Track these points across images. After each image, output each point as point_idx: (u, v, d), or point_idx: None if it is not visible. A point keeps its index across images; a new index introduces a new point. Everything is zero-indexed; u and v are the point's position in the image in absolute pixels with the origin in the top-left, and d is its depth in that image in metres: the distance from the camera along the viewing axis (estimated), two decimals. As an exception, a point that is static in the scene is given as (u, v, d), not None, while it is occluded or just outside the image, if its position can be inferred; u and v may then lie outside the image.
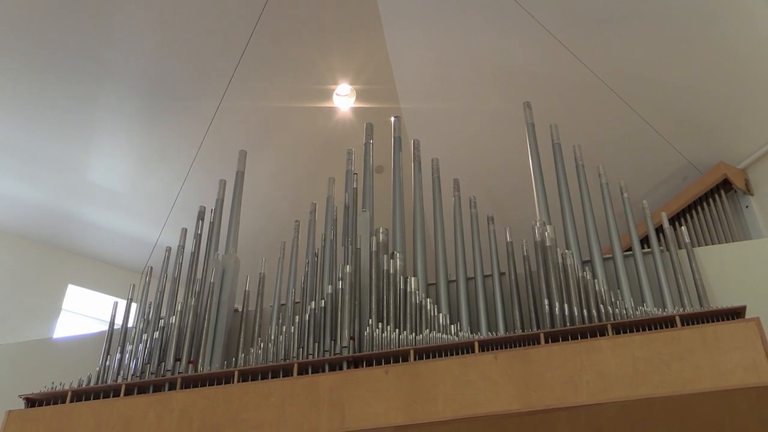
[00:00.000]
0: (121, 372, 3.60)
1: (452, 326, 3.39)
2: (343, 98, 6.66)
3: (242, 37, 5.94)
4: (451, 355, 3.18)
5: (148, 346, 3.67)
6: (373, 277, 3.60)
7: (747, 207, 5.86)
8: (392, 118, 4.40)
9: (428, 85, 6.59)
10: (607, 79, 5.88)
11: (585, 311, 3.23)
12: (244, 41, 5.96)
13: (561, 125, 4.10)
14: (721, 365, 2.78)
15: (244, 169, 4.46)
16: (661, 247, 3.55)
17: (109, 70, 5.89)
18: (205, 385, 3.35)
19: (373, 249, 3.72)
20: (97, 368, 3.65)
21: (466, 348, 3.19)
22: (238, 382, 3.31)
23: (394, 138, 4.30)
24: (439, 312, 3.47)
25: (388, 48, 6.40)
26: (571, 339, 3.10)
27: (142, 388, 3.45)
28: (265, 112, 6.54)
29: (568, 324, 3.20)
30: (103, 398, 3.43)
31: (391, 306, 3.47)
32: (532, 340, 3.14)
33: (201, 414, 3.18)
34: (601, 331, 3.09)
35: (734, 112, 5.72)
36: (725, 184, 5.97)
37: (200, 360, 3.59)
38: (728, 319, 2.99)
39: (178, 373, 3.51)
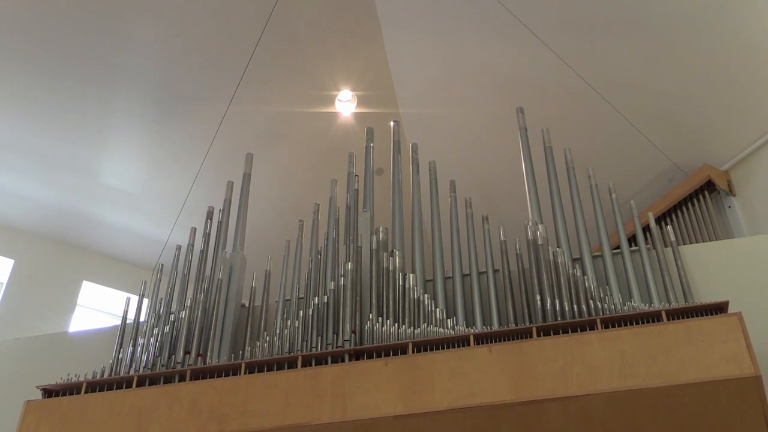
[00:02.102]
0: (134, 364, 3.60)
1: (449, 320, 3.39)
2: (345, 104, 6.66)
3: (249, 46, 5.94)
4: (448, 348, 3.18)
5: (159, 339, 3.67)
6: (374, 273, 3.60)
7: (730, 207, 5.87)
8: (392, 123, 4.40)
9: (426, 92, 6.60)
10: (596, 86, 5.88)
11: (575, 306, 3.23)
12: (251, 49, 5.96)
13: (552, 129, 4.10)
14: (705, 358, 2.78)
15: (250, 171, 4.46)
16: (648, 246, 3.55)
17: (121, 76, 5.90)
18: (214, 377, 3.35)
19: (374, 247, 3.72)
20: (111, 361, 3.65)
21: (461, 341, 3.19)
22: (245, 373, 3.31)
23: (393, 142, 4.30)
24: (436, 307, 3.47)
25: (388, 56, 6.40)
26: (562, 333, 3.10)
27: (153, 380, 3.45)
28: (270, 116, 6.54)
29: (559, 319, 3.20)
30: (116, 389, 3.43)
31: (391, 301, 3.47)
32: (524, 334, 3.13)
33: (209, 404, 3.18)
34: (591, 326, 3.09)
35: (717, 116, 5.72)
36: (709, 186, 5.98)
37: (209, 353, 3.59)
38: (712, 314, 2.99)
39: (188, 365, 3.52)
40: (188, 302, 3.80)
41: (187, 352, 3.58)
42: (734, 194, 5.88)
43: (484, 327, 3.37)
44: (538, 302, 3.30)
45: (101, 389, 3.46)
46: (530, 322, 3.34)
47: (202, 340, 3.65)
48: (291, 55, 6.15)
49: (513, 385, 2.91)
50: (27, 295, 6.76)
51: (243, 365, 3.34)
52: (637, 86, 5.78)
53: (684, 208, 6.08)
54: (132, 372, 3.54)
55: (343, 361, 3.26)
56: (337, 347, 3.34)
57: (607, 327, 3.06)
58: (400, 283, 3.52)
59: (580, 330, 3.09)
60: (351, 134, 6.71)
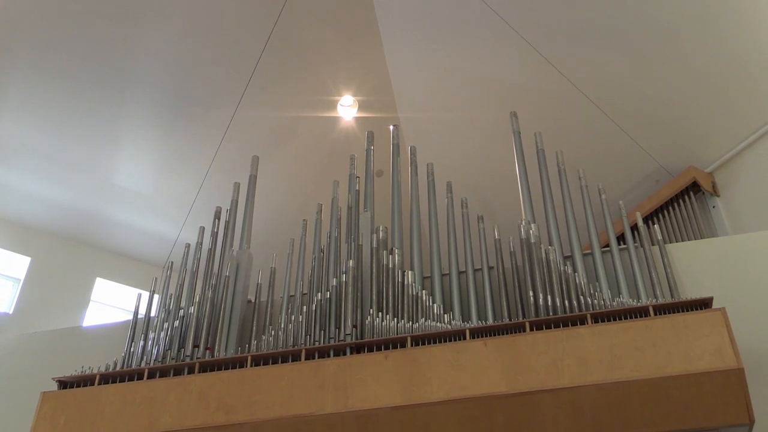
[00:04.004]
0: (145, 357, 3.60)
1: (446, 315, 3.39)
2: (347, 108, 6.66)
3: (255, 52, 5.94)
4: (445, 341, 3.18)
5: (168, 333, 3.67)
6: (374, 271, 3.60)
7: (714, 207, 5.87)
8: (391, 127, 4.39)
9: (424, 97, 6.60)
10: (587, 91, 5.88)
11: (566, 302, 3.23)
12: (257, 56, 5.96)
13: (545, 133, 4.10)
14: (690, 351, 2.78)
15: (256, 173, 4.46)
16: (636, 244, 3.55)
17: (134, 81, 5.90)
18: (221, 370, 3.35)
19: (374, 245, 3.72)
20: (123, 354, 3.65)
21: (458, 335, 3.19)
22: (251, 366, 3.31)
23: (392, 145, 4.29)
24: (433, 302, 3.47)
25: (388, 63, 6.40)
26: (554, 327, 3.10)
27: (163, 372, 3.45)
28: (276, 121, 6.54)
29: (551, 314, 3.20)
30: (128, 381, 3.43)
31: (390, 297, 3.47)
32: (518, 329, 3.14)
33: (217, 396, 3.18)
34: (581, 320, 3.09)
35: (702, 121, 5.73)
36: (694, 187, 5.98)
37: (216, 346, 3.59)
38: (697, 309, 2.98)
39: (197, 358, 3.51)
40: (197, 298, 3.80)
41: (195, 345, 3.58)
42: (718, 195, 5.88)
43: (480, 322, 3.36)
44: (531, 298, 3.30)
45: (114, 381, 3.45)
46: (523, 317, 3.33)
47: (210, 334, 3.64)
48: (295, 62, 6.15)
49: (507, 377, 2.91)
50: (43, 291, 6.76)
51: (249, 358, 3.34)
52: (626, 92, 5.78)
53: (670, 208, 6.08)
54: (143, 365, 3.54)
55: (344, 354, 3.26)
56: (339, 341, 3.34)
57: (596, 322, 3.06)
58: (399, 280, 3.52)
59: (571, 324, 3.09)
60: (352, 138, 6.71)
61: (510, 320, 3.27)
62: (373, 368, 3.08)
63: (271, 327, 3.65)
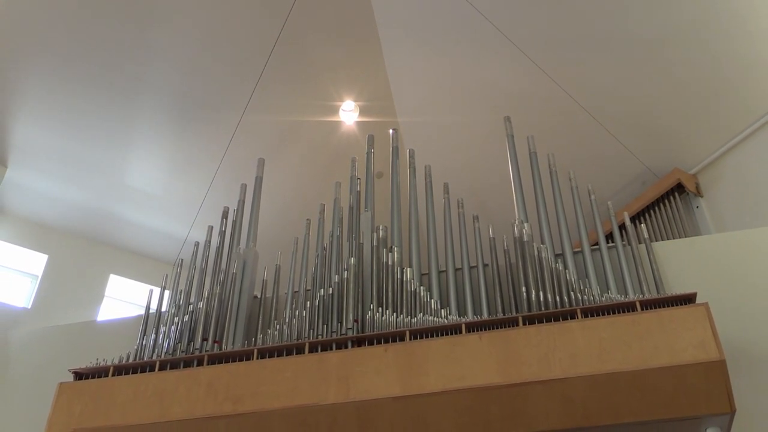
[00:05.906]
0: (156, 350, 3.60)
1: (442, 310, 3.39)
2: (348, 113, 6.66)
3: (261, 60, 5.94)
4: (442, 335, 3.18)
5: (179, 327, 3.67)
6: (374, 268, 3.60)
7: (697, 207, 5.87)
8: (391, 131, 4.40)
9: (422, 102, 6.59)
10: (577, 97, 5.88)
11: (557, 297, 3.23)
12: (263, 63, 5.96)
13: (537, 137, 4.10)
14: (675, 344, 2.79)
15: (262, 175, 4.46)
16: (624, 242, 3.55)
17: (145, 87, 5.90)
18: (229, 362, 3.36)
19: (374, 244, 3.72)
20: (135, 347, 3.65)
21: (454, 329, 3.19)
22: (257, 359, 3.31)
23: (392, 148, 4.30)
24: (431, 298, 3.47)
25: (387, 70, 6.40)
26: (546, 322, 3.10)
27: (174, 364, 3.45)
28: (280, 125, 6.54)
29: (542, 309, 3.21)
30: (140, 373, 3.43)
31: (390, 293, 3.47)
32: (511, 323, 3.14)
33: (225, 387, 3.18)
34: (572, 315, 3.09)
35: (687, 125, 5.73)
36: (679, 188, 5.98)
37: (224, 340, 3.59)
38: (681, 305, 2.99)
39: (205, 351, 3.52)
40: (206, 294, 3.80)
41: (204, 339, 3.59)
42: (701, 195, 5.88)
43: (475, 316, 3.37)
44: (524, 294, 3.30)
45: (126, 372, 3.46)
46: (517, 311, 3.34)
47: (218, 328, 3.65)
48: (299, 69, 6.15)
49: (501, 369, 2.91)
50: (59, 287, 6.75)
51: (255, 351, 3.34)
52: (614, 98, 5.78)
53: (656, 208, 6.09)
54: (154, 357, 3.54)
55: (346, 347, 3.27)
56: (341, 335, 3.34)
57: (586, 316, 3.07)
58: (399, 277, 3.52)
59: (561, 319, 3.09)
60: (353, 141, 6.70)
61: (504, 315, 3.28)
62: (373, 361, 3.09)
63: (276, 321, 3.65)
